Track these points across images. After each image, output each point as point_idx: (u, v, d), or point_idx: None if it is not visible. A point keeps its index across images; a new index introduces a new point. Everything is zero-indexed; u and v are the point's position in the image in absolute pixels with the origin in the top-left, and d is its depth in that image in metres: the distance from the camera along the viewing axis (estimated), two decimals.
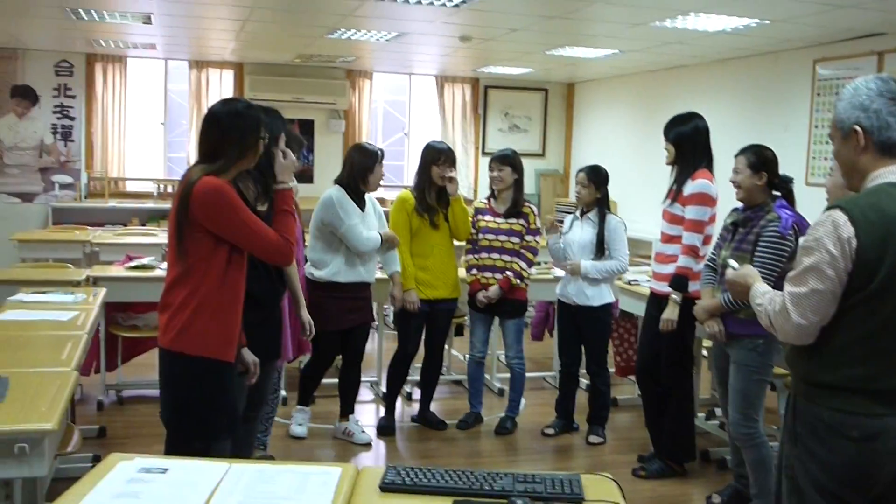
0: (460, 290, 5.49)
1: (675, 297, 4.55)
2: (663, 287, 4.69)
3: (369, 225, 5.02)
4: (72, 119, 10.28)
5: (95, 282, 5.55)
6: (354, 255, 4.98)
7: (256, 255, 3.14)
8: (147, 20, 7.63)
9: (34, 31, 8.71)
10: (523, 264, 5.31)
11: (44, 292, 4.88)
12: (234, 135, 3.07)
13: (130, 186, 10.64)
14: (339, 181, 5.05)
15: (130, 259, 6.12)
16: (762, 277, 2.74)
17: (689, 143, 4.68)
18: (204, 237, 3.01)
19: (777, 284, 3.91)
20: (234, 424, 3.28)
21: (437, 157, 5.24)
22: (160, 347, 3.16)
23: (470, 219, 5.40)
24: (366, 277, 5.09)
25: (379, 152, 5.07)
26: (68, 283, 5.38)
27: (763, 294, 2.57)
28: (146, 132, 10.85)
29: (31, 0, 6.94)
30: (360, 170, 4.99)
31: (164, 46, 9.58)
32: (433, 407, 5.71)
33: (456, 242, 5.48)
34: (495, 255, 5.33)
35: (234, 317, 3.17)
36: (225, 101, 3.24)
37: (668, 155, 4.77)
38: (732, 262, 3.44)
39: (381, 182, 5.16)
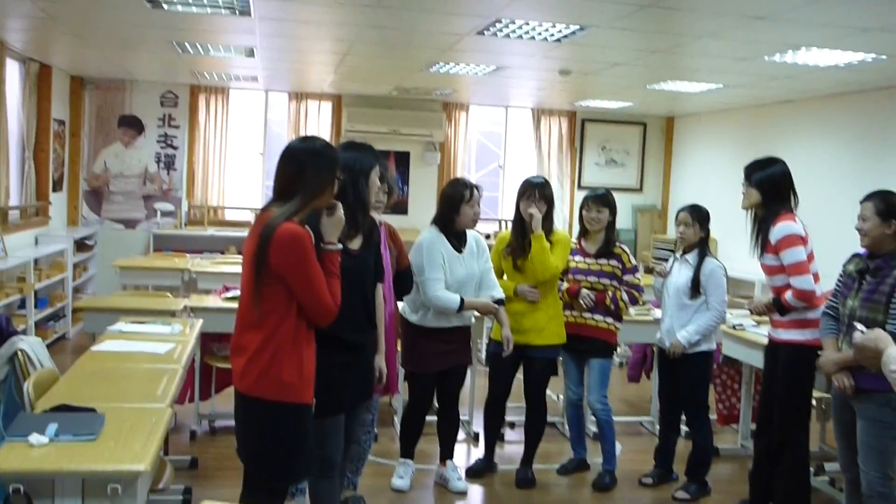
0: (563, 338, 5.14)
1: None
2: (784, 335, 4.50)
3: (468, 267, 4.80)
4: (175, 148, 10.54)
5: (193, 311, 5.59)
6: None
7: (305, 309, 3.07)
8: (250, 54, 7.77)
9: (142, 63, 8.98)
10: (626, 297, 5.12)
11: (142, 322, 4.93)
12: (310, 173, 3.05)
13: (229, 215, 10.83)
14: (434, 220, 4.92)
15: (227, 289, 6.16)
16: None
17: (774, 189, 4.51)
18: (279, 284, 3.00)
19: None
20: (313, 465, 3.26)
21: (523, 192, 5.02)
22: (237, 391, 3.14)
23: (553, 260, 4.97)
24: (461, 322, 4.85)
25: (471, 187, 4.80)
26: (166, 312, 5.44)
27: None
28: (246, 161, 11.04)
29: (141, 35, 7.14)
30: (450, 205, 4.79)
31: (266, 78, 9.75)
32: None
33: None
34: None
35: (310, 359, 3.15)
36: (304, 139, 3.24)
37: (746, 199, 4.58)
38: (860, 326, 3.20)
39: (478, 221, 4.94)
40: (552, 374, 5.22)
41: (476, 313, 5.08)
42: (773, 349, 4.61)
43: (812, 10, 4.98)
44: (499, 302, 4.86)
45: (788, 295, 4.40)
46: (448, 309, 4.70)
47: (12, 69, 8.31)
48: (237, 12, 5.87)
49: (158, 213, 10.48)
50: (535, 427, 5.26)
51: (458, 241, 4.84)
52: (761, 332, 5.24)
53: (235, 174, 10.96)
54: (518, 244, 5.01)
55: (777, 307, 4.49)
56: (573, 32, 5.97)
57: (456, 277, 4.75)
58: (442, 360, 4.83)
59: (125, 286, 7.87)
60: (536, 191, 4.97)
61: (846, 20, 5.25)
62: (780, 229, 4.41)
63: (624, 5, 5.18)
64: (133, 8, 5.87)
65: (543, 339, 5.02)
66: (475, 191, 4.81)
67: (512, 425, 6.24)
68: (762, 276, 4.76)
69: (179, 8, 5.79)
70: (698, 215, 5.08)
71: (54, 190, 9.48)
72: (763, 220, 4.52)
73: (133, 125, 10.41)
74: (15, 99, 8.41)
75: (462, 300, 4.69)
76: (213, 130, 10.60)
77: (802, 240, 4.41)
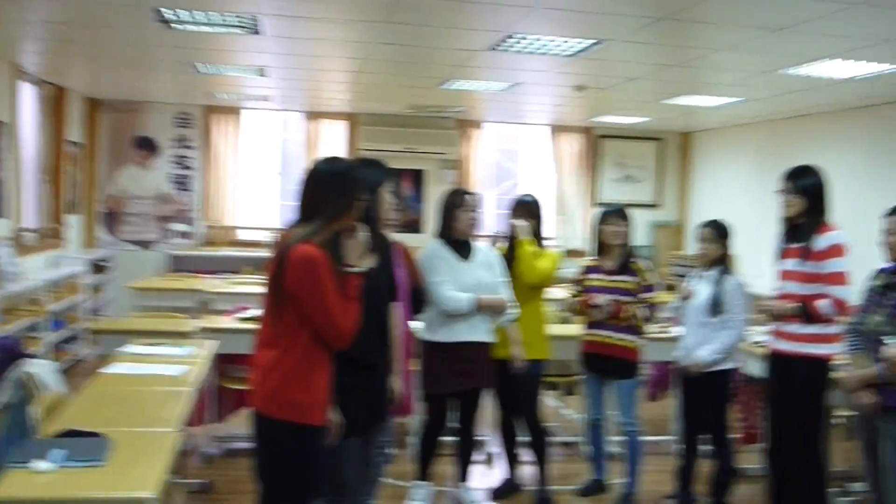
0: (547, 353, 5.15)
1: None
2: (791, 347, 4.43)
3: (475, 276, 4.76)
4: (189, 169, 10.55)
5: (207, 332, 5.53)
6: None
7: (319, 332, 3.05)
8: (262, 73, 7.76)
9: (157, 84, 9.00)
10: (641, 313, 5.03)
11: (155, 344, 4.88)
12: (333, 194, 3.05)
13: (244, 235, 10.81)
14: (435, 231, 4.90)
15: (244, 309, 6.10)
16: None
17: (819, 196, 4.44)
18: (295, 305, 3.00)
19: None
20: (323, 487, 3.24)
21: (512, 209, 5.13)
22: (251, 407, 3.15)
23: (539, 262, 5.03)
24: (472, 337, 4.74)
25: (465, 193, 4.83)
26: (179, 334, 5.39)
27: None
28: (262, 181, 11.03)
29: (153, 55, 7.15)
30: (446, 212, 4.79)
31: (280, 98, 9.75)
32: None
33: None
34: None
35: (323, 380, 3.13)
36: (328, 160, 3.24)
37: (790, 208, 4.48)
38: (889, 340, 3.10)
39: (476, 228, 4.86)
40: (538, 389, 5.20)
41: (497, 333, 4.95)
42: (785, 362, 4.50)
43: (831, 20, 4.90)
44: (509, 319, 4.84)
45: (824, 303, 4.31)
46: (459, 309, 4.64)
47: (28, 92, 8.33)
48: (248, 31, 5.85)
49: (173, 233, 10.47)
50: (536, 445, 5.18)
51: (462, 250, 4.79)
52: None
53: (251, 194, 10.96)
54: (509, 255, 5.03)
55: (804, 315, 4.38)
56: (588, 47, 5.92)
57: (462, 284, 4.70)
58: (457, 381, 4.75)
59: (139, 307, 7.84)
60: (524, 207, 5.11)
61: (866, 31, 5.17)
62: (830, 237, 4.34)
63: (639, 18, 5.12)
64: (144, 29, 5.87)
65: (525, 353, 4.97)
66: (471, 197, 4.81)
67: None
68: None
69: (190, 28, 5.77)
70: (720, 231, 4.98)
71: (70, 212, 9.50)
72: (804, 228, 4.43)
73: (148, 146, 10.44)
74: (31, 122, 8.44)
75: (477, 298, 4.67)
76: (228, 150, 10.60)
77: (847, 253, 4.36)
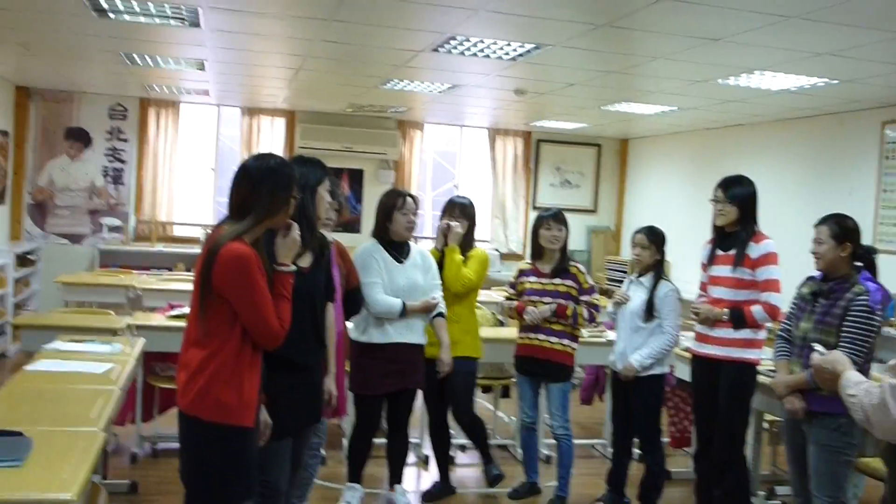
0: (479, 351, 5.20)
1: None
2: (720, 351, 4.51)
3: (410, 278, 4.74)
4: (123, 162, 10.32)
5: (136, 330, 5.41)
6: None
7: (249, 331, 2.98)
8: (201, 67, 7.63)
9: (90, 74, 8.77)
10: (586, 313, 5.07)
11: (81, 341, 4.75)
12: (264, 191, 2.99)
13: (178, 231, 10.61)
14: (372, 232, 4.88)
15: (172, 307, 5.99)
16: (851, 353, 2.49)
17: (751, 205, 4.54)
18: (224, 303, 2.93)
19: (864, 364, 3.72)
20: (252, 490, 3.15)
21: (445, 210, 5.19)
22: (178, 408, 3.06)
23: (464, 271, 5.07)
24: (404, 338, 4.71)
25: (404, 195, 4.80)
26: (108, 330, 5.26)
27: (857, 384, 2.32)
28: (197, 177, 10.85)
29: (88, 45, 6.96)
30: (383, 213, 4.77)
31: (217, 93, 9.60)
32: (478, 472, 5.43)
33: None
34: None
35: (253, 381, 3.05)
36: (258, 157, 3.17)
37: (723, 216, 4.55)
38: (819, 347, 3.17)
39: (413, 231, 4.86)
40: (473, 386, 5.27)
41: (427, 332, 4.93)
42: (712, 366, 4.58)
43: (766, 33, 4.99)
44: (438, 315, 4.84)
45: (756, 309, 4.41)
46: (389, 313, 4.63)
47: None
48: (187, 23, 5.74)
49: (105, 228, 10.22)
50: (475, 432, 5.30)
51: (398, 252, 4.78)
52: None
53: (186, 190, 10.77)
54: (440, 259, 5.06)
55: (735, 320, 4.46)
56: (529, 51, 5.94)
57: (396, 286, 4.69)
58: (388, 382, 4.71)
59: (67, 303, 7.64)
60: (457, 208, 5.17)
61: (800, 44, 5.29)
62: (764, 246, 4.45)
63: (580, 24, 5.16)
64: (78, 17, 5.72)
65: (457, 351, 4.97)
66: (410, 200, 4.79)
67: (463, 448, 6.15)
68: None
69: (126, 17, 5.64)
70: (655, 237, 5.04)
71: None
72: (738, 236, 4.52)
73: (80, 138, 10.17)
74: None
75: (404, 304, 4.64)
76: (164, 144, 10.39)
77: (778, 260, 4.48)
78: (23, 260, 9.21)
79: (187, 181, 10.77)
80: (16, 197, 9.96)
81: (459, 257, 5.07)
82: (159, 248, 10.18)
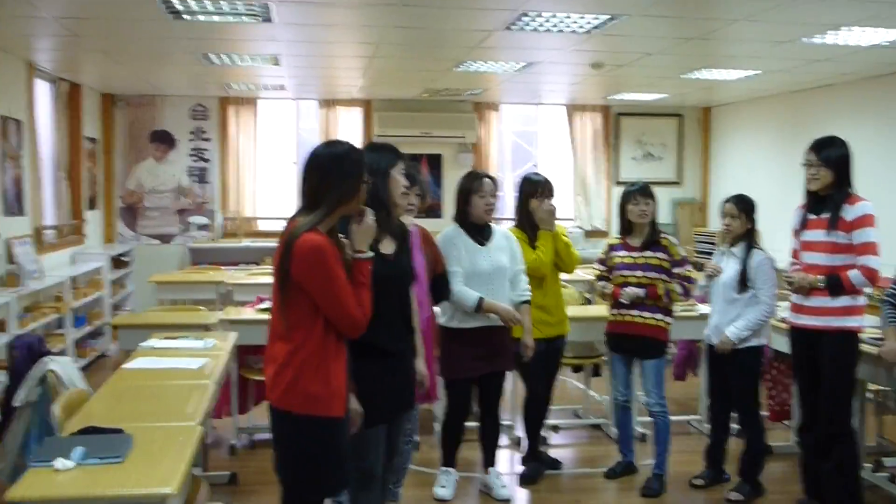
0: (568, 328, 5.17)
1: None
2: (816, 321, 4.33)
3: (494, 261, 4.68)
4: (207, 161, 10.54)
5: (228, 324, 5.51)
6: None
7: (331, 321, 2.97)
8: (276, 62, 7.70)
9: (170, 77, 8.96)
10: (679, 288, 4.95)
11: (176, 337, 4.85)
12: (334, 179, 2.96)
13: (263, 226, 10.79)
14: (454, 216, 4.83)
15: (261, 300, 6.08)
16: None
17: (845, 167, 4.33)
18: (305, 295, 2.92)
19: None
20: (346, 479, 3.16)
21: (534, 190, 4.99)
22: (269, 403, 3.07)
23: (574, 252, 5.11)
24: (490, 321, 4.66)
25: (482, 177, 4.73)
26: (200, 326, 5.36)
27: None
28: (278, 171, 11.00)
29: (166, 48, 7.11)
30: (462, 197, 4.73)
31: (294, 87, 9.70)
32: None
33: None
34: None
35: (339, 371, 3.04)
36: (327, 144, 3.16)
37: (816, 180, 4.35)
38: None
39: (493, 213, 4.78)
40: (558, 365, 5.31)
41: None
42: (812, 337, 4.39)
43: None
44: (524, 303, 4.76)
45: (854, 273, 4.20)
46: (465, 305, 4.58)
47: (43, 89, 8.33)
48: (259, 19, 5.79)
49: (193, 226, 10.47)
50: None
51: (479, 235, 4.72)
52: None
53: (269, 184, 10.94)
54: (528, 237, 4.99)
55: (832, 287, 4.28)
56: (603, 23, 5.82)
57: (479, 269, 4.64)
58: (477, 365, 4.69)
59: (161, 301, 7.84)
60: (540, 187, 5.02)
61: None
62: (860, 207, 4.24)
63: None
64: (155, 21, 5.84)
65: (560, 329, 5.08)
66: (488, 181, 4.72)
67: (556, 429, 6.10)
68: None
69: (201, 18, 5.73)
70: (744, 206, 4.88)
71: (89, 208, 9.51)
72: (833, 199, 4.32)
73: (164, 140, 10.43)
74: (47, 119, 8.44)
75: (481, 299, 4.56)
76: (245, 141, 10.57)
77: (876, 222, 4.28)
78: (117, 262, 9.49)
79: (270, 176, 10.94)
80: (107, 201, 10.28)
81: (566, 239, 5.08)
82: (246, 243, 10.37)
